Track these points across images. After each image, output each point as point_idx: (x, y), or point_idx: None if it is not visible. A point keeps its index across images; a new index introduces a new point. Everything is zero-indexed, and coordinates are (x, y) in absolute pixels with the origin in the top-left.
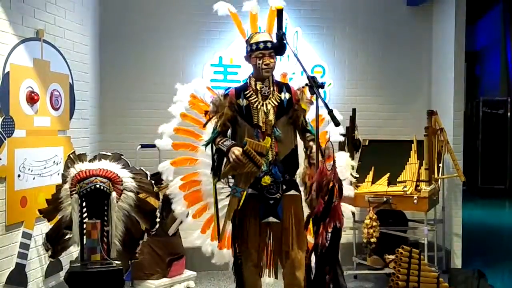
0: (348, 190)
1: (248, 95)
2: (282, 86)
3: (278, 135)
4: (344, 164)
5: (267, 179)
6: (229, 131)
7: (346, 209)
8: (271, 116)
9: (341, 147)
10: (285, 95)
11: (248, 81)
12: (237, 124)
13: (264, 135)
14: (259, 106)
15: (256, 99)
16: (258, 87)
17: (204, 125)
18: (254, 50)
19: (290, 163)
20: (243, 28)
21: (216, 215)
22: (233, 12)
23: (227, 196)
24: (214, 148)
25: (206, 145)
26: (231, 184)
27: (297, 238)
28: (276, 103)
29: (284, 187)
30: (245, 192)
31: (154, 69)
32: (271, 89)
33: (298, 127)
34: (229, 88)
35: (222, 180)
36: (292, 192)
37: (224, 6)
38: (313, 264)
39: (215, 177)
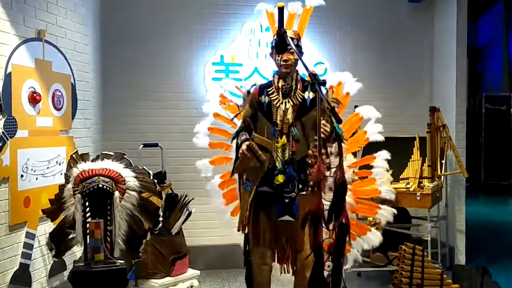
0: (390, 193)
1: (270, 92)
2: (307, 85)
3: (295, 135)
4: (385, 165)
5: (280, 178)
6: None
7: (388, 212)
8: (289, 115)
9: None
10: (309, 94)
11: (273, 78)
12: (257, 120)
13: (281, 133)
14: (278, 104)
15: (276, 96)
16: (280, 85)
17: (232, 119)
18: (274, 46)
19: (307, 163)
20: (276, 28)
21: (241, 209)
22: (270, 12)
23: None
24: (237, 141)
25: (232, 139)
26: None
27: (309, 238)
28: (297, 102)
29: (300, 186)
30: (254, 187)
31: (156, 68)
32: (293, 87)
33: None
34: (254, 85)
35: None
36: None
37: (263, 7)
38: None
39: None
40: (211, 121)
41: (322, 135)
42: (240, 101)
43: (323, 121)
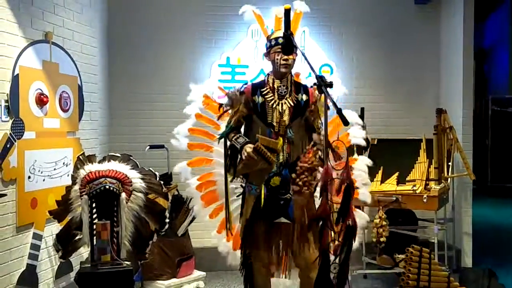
0: (367, 197)
1: (264, 92)
2: (300, 87)
3: (290, 136)
4: (365, 169)
5: (276, 180)
6: (242, 127)
7: (361, 217)
8: (286, 117)
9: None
10: (302, 96)
11: (266, 78)
12: (251, 121)
13: (277, 135)
14: (274, 105)
15: (272, 97)
16: (275, 86)
17: (219, 117)
18: (273, 46)
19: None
20: (266, 29)
21: (226, 210)
22: (257, 14)
23: (238, 196)
24: (228, 143)
25: (220, 138)
26: (243, 184)
27: (310, 238)
28: (293, 104)
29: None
30: (263, 188)
31: (162, 70)
32: (289, 89)
33: (312, 129)
34: (245, 84)
35: (237, 179)
36: None
37: (249, 9)
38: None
39: (229, 173)
40: (192, 122)
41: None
42: (224, 101)
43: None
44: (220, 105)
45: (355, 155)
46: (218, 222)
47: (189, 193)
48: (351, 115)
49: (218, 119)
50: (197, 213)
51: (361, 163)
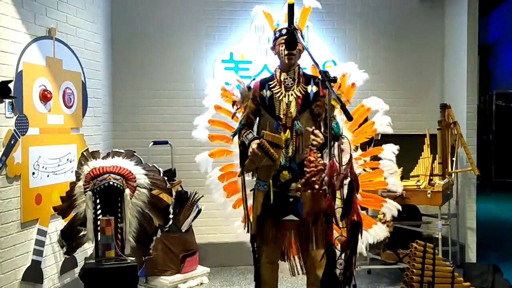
0: (397, 186)
1: (272, 86)
2: (310, 79)
3: (298, 129)
4: (393, 158)
5: (285, 174)
6: (256, 122)
7: (393, 206)
8: (292, 108)
9: None
10: (312, 88)
11: (274, 72)
12: (260, 115)
13: (285, 127)
14: (281, 97)
15: (279, 90)
16: (282, 78)
17: (233, 116)
18: (278, 37)
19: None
20: (275, 26)
21: (245, 206)
22: (266, 12)
23: (251, 191)
24: (240, 139)
25: (233, 136)
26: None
27: (318, 236)
28: (300, 95)
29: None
30: (271, 184)
31: (166, 65)
32: (296, 80)
33: (321, 121)
34: (253, 79)
35: (248, 174)
36: None
37: (260, 9)
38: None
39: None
40: (211, 114)
41: (315, 143)
42: (238, 96)
43: (316, 131)
44: (233, 102)
45: (358, 151)
46: (235, 213)
47: (210, 184)
48: (376, 101)
49: (232, 118)
50: (220, 203)
51: (388, 152)
